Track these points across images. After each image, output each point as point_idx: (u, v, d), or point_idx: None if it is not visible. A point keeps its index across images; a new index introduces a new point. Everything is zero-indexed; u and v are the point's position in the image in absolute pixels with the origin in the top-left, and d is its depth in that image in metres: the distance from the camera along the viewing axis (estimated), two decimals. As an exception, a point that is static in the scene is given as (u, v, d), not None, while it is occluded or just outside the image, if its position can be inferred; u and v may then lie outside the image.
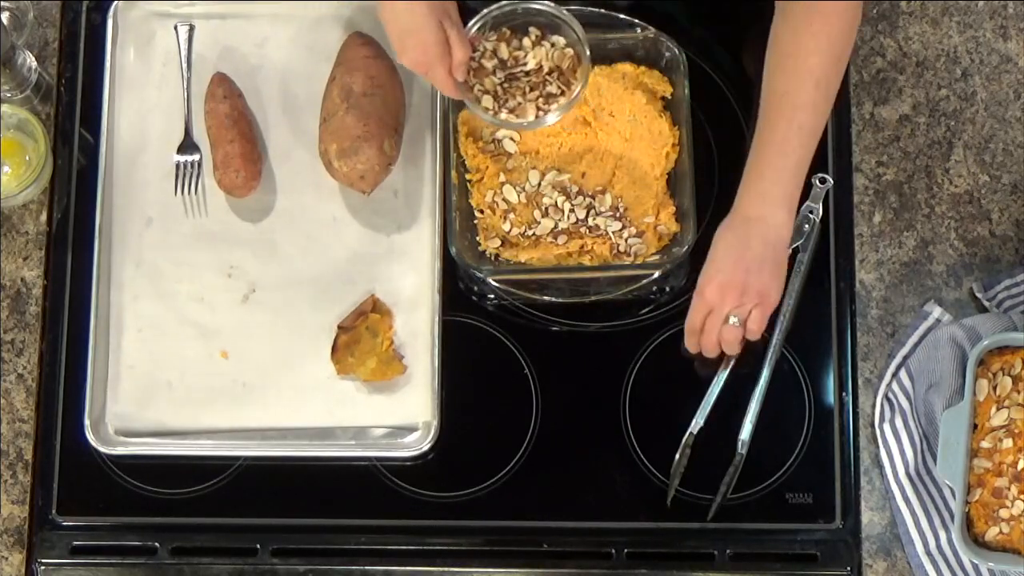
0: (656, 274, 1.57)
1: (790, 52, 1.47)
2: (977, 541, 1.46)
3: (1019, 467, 1.45)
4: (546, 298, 1.58)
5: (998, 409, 1.47)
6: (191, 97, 1.62)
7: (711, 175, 1.61)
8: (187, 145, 1.62)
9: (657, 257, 1.55)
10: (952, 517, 1.47)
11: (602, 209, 1.56)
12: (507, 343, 1.58)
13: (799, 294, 1.56)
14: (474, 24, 1.49)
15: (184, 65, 1.63)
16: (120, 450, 1.55)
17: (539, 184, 1.57)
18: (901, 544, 1.53)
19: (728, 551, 1.52)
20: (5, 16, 1.63)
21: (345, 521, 1.54)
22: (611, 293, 1.58)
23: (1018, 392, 1.47)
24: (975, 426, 1.48)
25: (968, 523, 1.47)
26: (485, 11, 1.50)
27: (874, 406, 1.56)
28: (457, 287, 1.59)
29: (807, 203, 1.58)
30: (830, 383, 1.56)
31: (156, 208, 1.61)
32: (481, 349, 1.58)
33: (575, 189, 1.57)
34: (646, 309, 1.58)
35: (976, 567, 1.52)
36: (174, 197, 1.61)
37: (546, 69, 1.51)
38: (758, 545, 1.53)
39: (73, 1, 1.66)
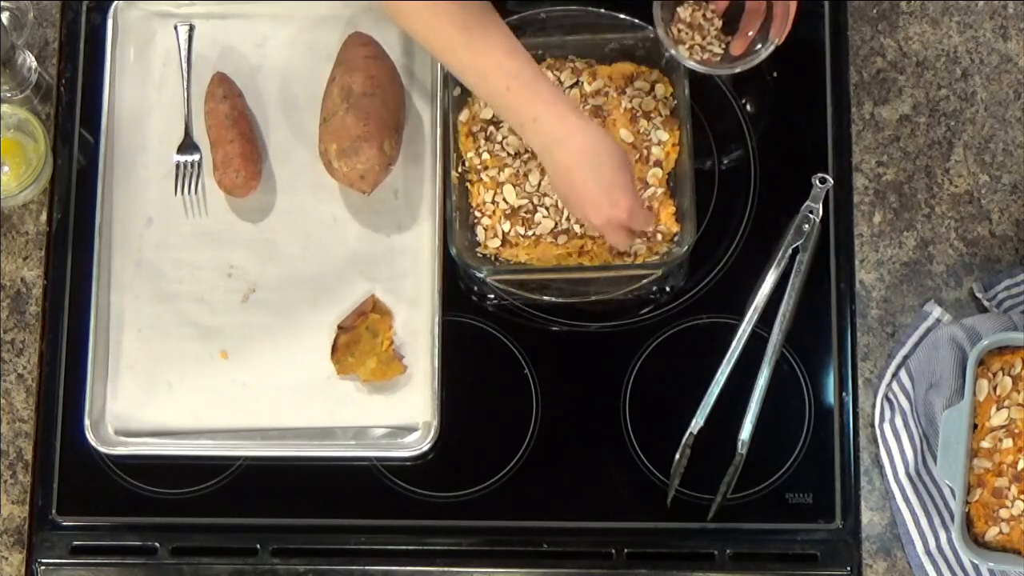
0: (656, 274, 1.57)
1: None
2: (977, 541, 1.46)
3: (1019, 467, 1.45)
4: (546, 298, 1.58)
5: (998, 409, 1.47)
6: (191, 97, 1.62)
7: (711, 175, 1.61)
8: (187, 145, 1.62)
9: (657, 257, 1.55)
10: (952, 517, 1.47)
11: (602, 209, 1.56)
12: (507, 343, 1.58)
13: (799, 294, 1.56)
14: None
15: (184, 65, 1.63)
16: (120, 450, 1.55)
17: (539, 184, 1.57)
18: (901, 544, 1.53)
19: (728, 551, 1.52)
20: (5, 16, 1.63)
21: (345, 521, 1.55)
22: (611, 293, 1.58)
23: (1018, 392, 1.47)
24: (975, 426, 1.48)
25: (968, 523, 1.47)
26: None
27: (874, 406, 1.56)
28: (457, 287, 1.59)
29: (807, 203, 1.58)
30: (830, 383, 1.56)
31: (156, 208, 1.61)
32: (481, 349, 1.58)
33: (575, 189, 1.57)
34: (646, 309, 1.58)
35: (976, 567, 1.52)
36: (174, 197, 1.61)
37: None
38: (758, 545, 1.53)
39: (73, 1, 1.66)
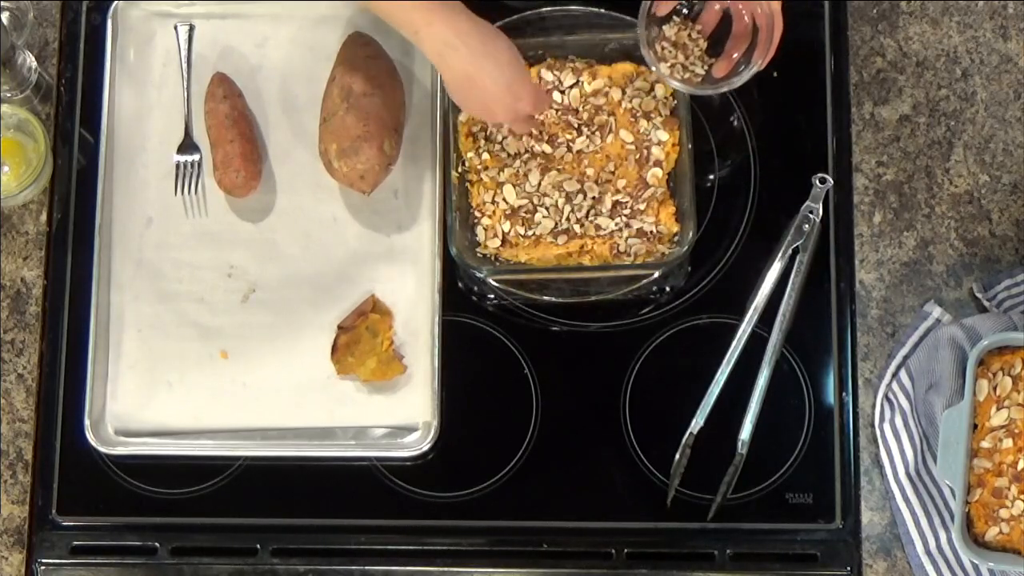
0: (656, 274, 1.57)
1: None
2: (977, 541, 1.46)
3: (1019, 467, 1.45)
4: (546, 298, 1.58)
5: (998, 409, 1.47)
6: (191, 97, 1.62)
7: (711, 175, 1.61)
8: (187, 145, 1.62)
9: (657, 257, 1.55)
10: (952, 517, 1.47)
11: (602, 209, 1.56)
12: (507, 343, 1.58)
13: (799, 294, 1.56)
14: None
15: (184, 65, 1.63)
16: (120, 450, 1.56)
17: (539, 184, 1.57)
18: (901, 544, 1.53)
19: (728, 551, 1.52)
20: (5, 16, 1.63)
21: (345, 521, 1.55)
22: (611, 293, 1.58)
23: (1018, 392, 1.47)
24: (975, 426, 1.48)
25: (968, 523, 1.47)
26: None
27: (874, 406, 1.56)
28: (457, 287, 1.59)
29: (807, 203, 1.58)
30: (830, 383, 1.56)
31: (156, 208, 1.61)
32: (481, 349, 1.58)
33: (575, 189, 1.57)
34: (646, 309, 1.58)
35: (976, 567, 1.52)
36: (174, 197, 1.61)
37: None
38: (758, 545, 1.53)
39: (73, 1, 1.66)
